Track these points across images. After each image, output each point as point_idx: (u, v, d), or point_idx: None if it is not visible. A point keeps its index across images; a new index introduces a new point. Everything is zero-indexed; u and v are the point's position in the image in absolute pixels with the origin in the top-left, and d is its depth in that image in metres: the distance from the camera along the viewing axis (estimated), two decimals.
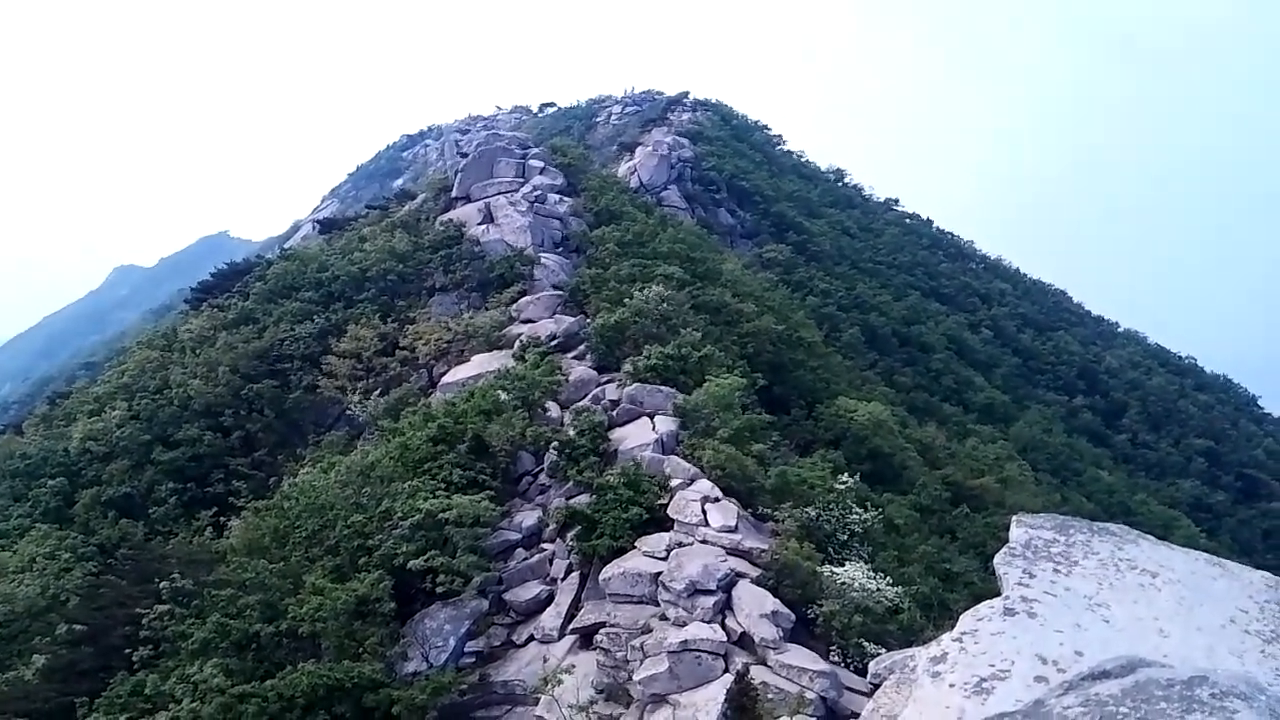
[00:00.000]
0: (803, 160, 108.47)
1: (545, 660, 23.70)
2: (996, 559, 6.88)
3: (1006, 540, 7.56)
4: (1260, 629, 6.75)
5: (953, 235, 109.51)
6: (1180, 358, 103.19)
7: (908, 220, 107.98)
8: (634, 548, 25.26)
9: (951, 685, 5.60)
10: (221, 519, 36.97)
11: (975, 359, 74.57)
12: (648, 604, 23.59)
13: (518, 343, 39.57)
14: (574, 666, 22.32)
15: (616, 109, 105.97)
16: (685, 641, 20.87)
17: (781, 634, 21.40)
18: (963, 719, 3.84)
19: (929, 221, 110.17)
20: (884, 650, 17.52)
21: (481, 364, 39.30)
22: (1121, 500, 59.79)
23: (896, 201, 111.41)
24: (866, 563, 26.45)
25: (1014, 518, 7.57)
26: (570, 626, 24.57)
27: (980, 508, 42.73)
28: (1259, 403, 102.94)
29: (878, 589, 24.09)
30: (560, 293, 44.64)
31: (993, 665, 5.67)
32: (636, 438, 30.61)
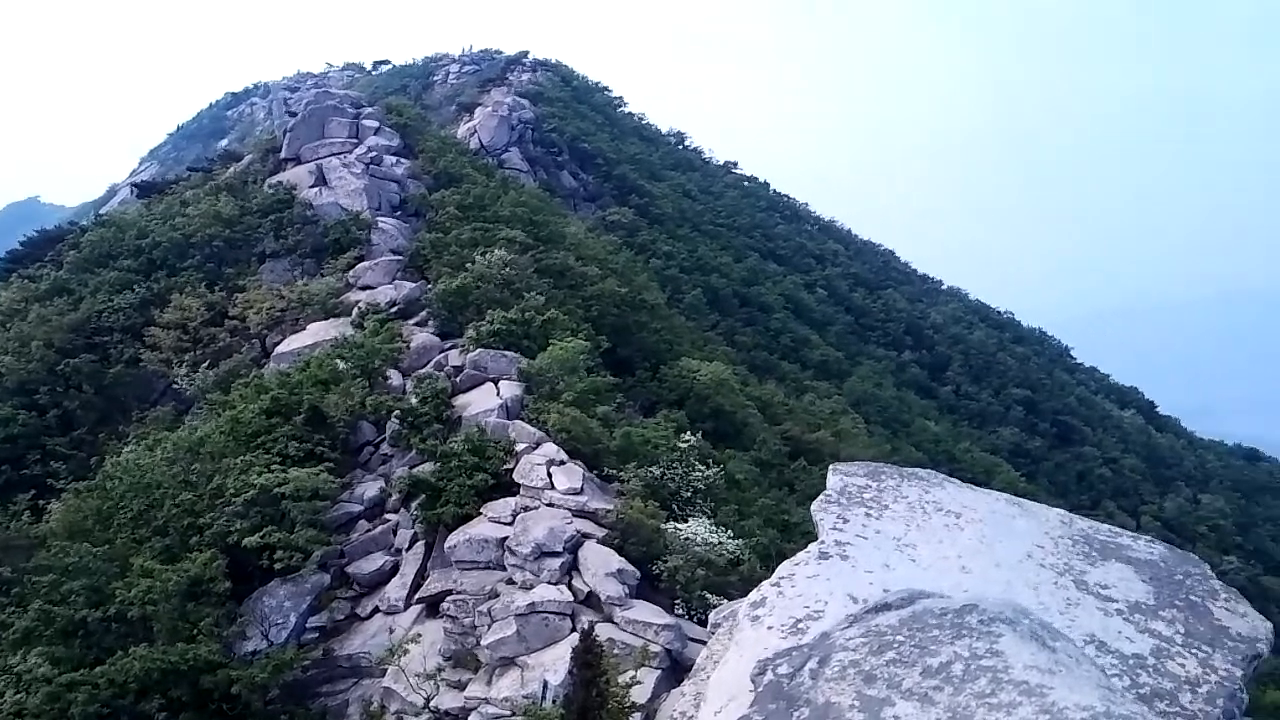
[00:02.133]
0: (644, 123, 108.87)
1: (391, 631, 23.47)
2: (813, 506, 7.23)
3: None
4: (1054, 562, 7.34)
5: (789, 197, 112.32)
6: (999, 312, 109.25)
7: (746, 183, 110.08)
8: (480, 514, 25.21)
9: (770, 627, 5.88)
10: (40, 502, 34.71)
11: (811, 318, 77.04)
12: (495, 569, 23.64)
13: (356, 310, 38.49)
14: (420, 636, 22.20)
15: (454, 68, 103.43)
16: (532, 604, 21.06)
17: (627, 591, 21.86)
18: (764, 654, 4.07)
19: (766, 184, 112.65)
20: (725, 601, 18.10)
21: (318, 332, 38.09)
22: (947, 449, 63.17)
23: (735, 165, 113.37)
24: (709, 518, 27.20)
25: (831, 467, 7.95)
26: (416, 596, 24.40)
27: (817, 460, 44.32)
28: (1071, 353, 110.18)
29: (719, 543, 24.84)
30: (399, 258, 43.63)
31: (807, 607, 5.99)
32: (481, 403, 30.42)
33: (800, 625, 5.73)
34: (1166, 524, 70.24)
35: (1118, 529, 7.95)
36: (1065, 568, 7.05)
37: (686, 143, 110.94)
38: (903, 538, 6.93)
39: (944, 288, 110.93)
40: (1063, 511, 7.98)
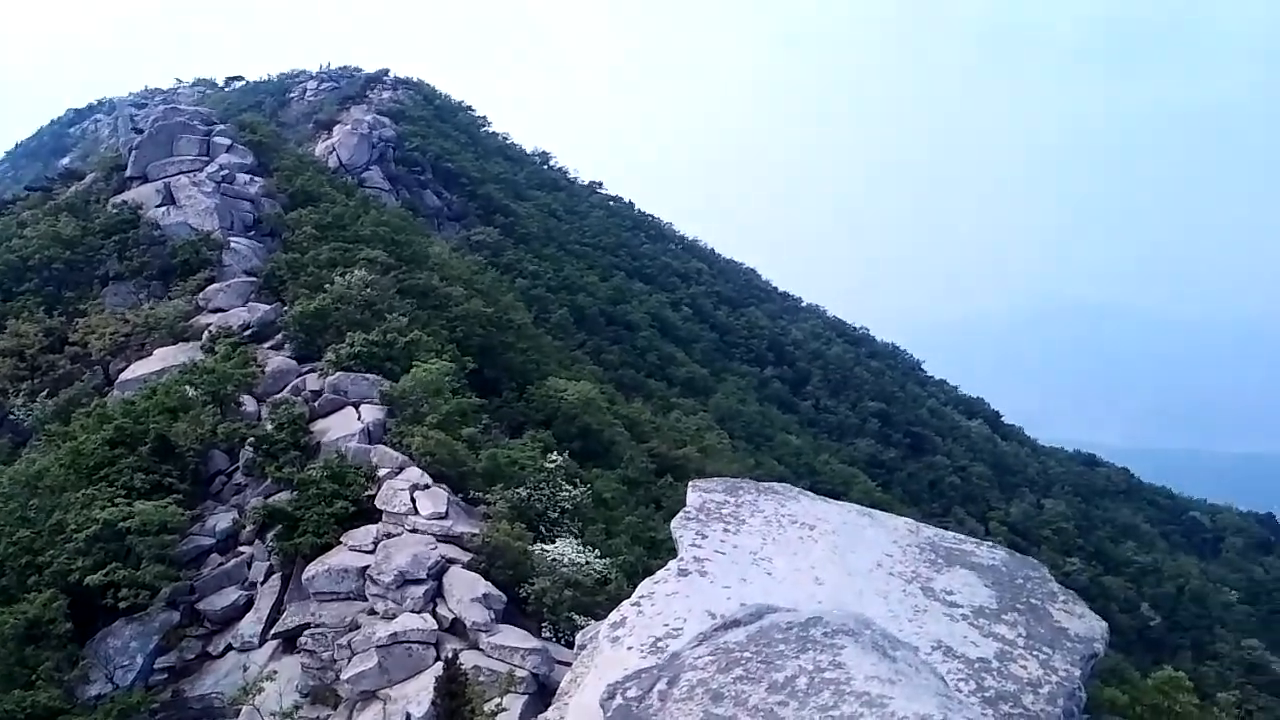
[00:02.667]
0: (508, 142, 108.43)
1: (245, 669, 22.54)
2: (673, 523, 7.26)
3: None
4: (902, 570, 7.55)
5: (653, 217, 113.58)
6: (855, 328, 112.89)
7: (611, 203, 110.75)
8: (340, 543, 24.50)
9: (629, 648, 5.86)
10: None
11: (677, 335, 77.97)
12: (355, 600, 22.98)
13: (206, 334, 36.94)
14: (276, 672, 21.36)
15: (311, 85, 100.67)
16: (395, 634, 20.55)
17: (493, 616, 21.55)
18: (615, 677, 4.05)
19: (631, 204, 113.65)
20: (593, 622, 18.02)
21: (165, 358, 36.37)
22: (808, 461, 64.77)
23: (600, 185, 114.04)
24: (576, 538, 27.14)
25: (690, 484, 8.01)
26: (272, 631, 23.50)
27: (684, 477, 44.68)
28: (923, 366, 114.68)
29: (586, 562, 24.80)
30: (253, 279, 42.13)
31: (667, 625, 6.00)
32: (341, 428, 29.63)
33: (660, 644, 5.73)
34: (1013, 528, 73.67)
35: (961, 535, 8.26)
36: (913, 575, 7.27)
37: (552, 162, 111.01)
38: (759, 551, 7.03)
39: (803, 305, 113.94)
40: (910, 520, 8.24)
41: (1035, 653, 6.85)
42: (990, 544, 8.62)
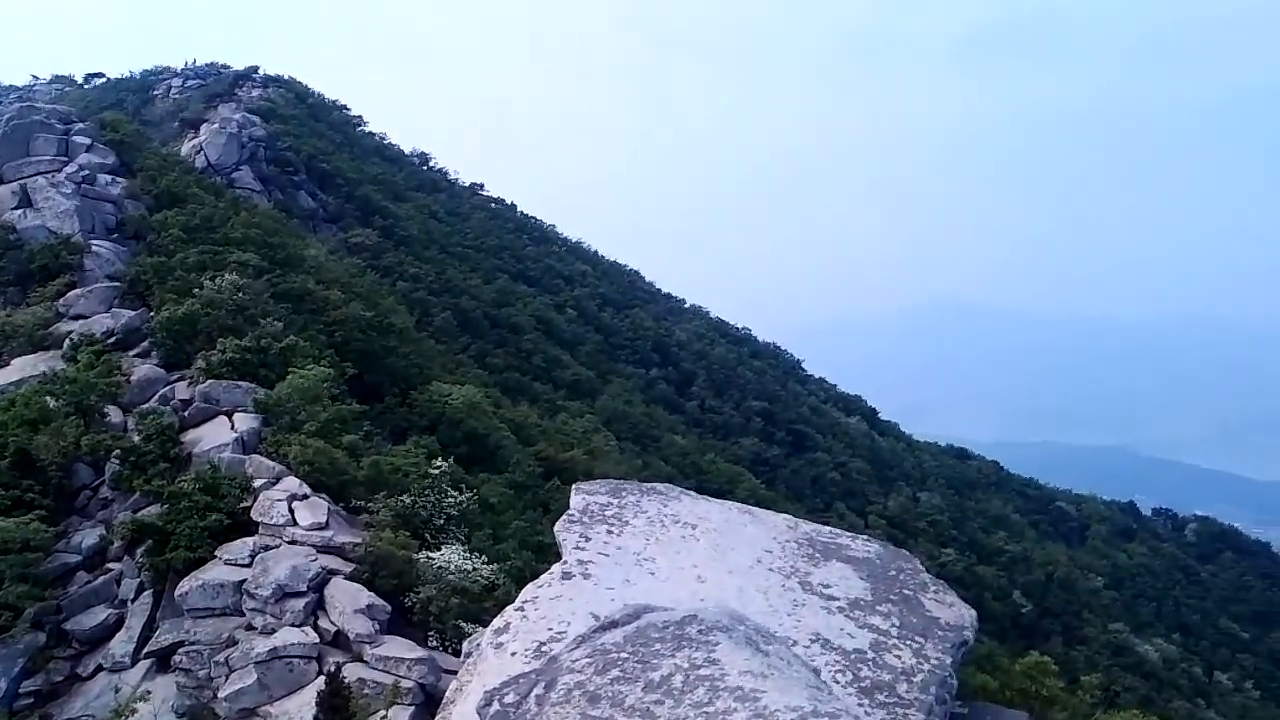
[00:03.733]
0: (386, 142, 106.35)
1: (117, 690, 21.56)
2: (556, 526, 7.27)
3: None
4: (781, 565, 7.72)
5: (536, 219, 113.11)
6: (737, 329, 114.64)
7: (494, 205, 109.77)
8: (214, 557, 23.65)
9: (513, 654, 5.85)
10: None
11: (562, 338, 77.80)
12: (232, 615, 22.22)
13: (68, 341, 35.08)
14: (150, 693, 20.50)
15: (176, 82, 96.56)
16: (274, 649, 19.97)
17: (377, 627, 21.13)
18: (493, 684, 4.03)
19: (513, 206, 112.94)
20: (480, 629, 17.88)
21: (23, 367, 34.44)
22: (694, 461, 65.47)
23: (482, 186, 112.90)
24: (463, 544, 26.84)
25: (574, 486, 8.03)
26: (144, 650, 22.55)
27: (571, 479, 44.51)
28: (803, 365, 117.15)
29: (473, 569, 24.55)
30: (117, 284, 40.25)
31: (551, 629, 6.00)
32: (213, 438, 28.59)
33: (544, 649, 5.73)
34: (891, 521, 75.87)
35: (838, 530, 8.49)
36: (792, 570, 7.44)
37: (431, 163, 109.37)
38: (643, 552, 7.09)
39: (687, 306, 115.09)
40: (789, 516, 8.43)
41: (909, 642, 7.10)
42: (865, 537, 8.90)
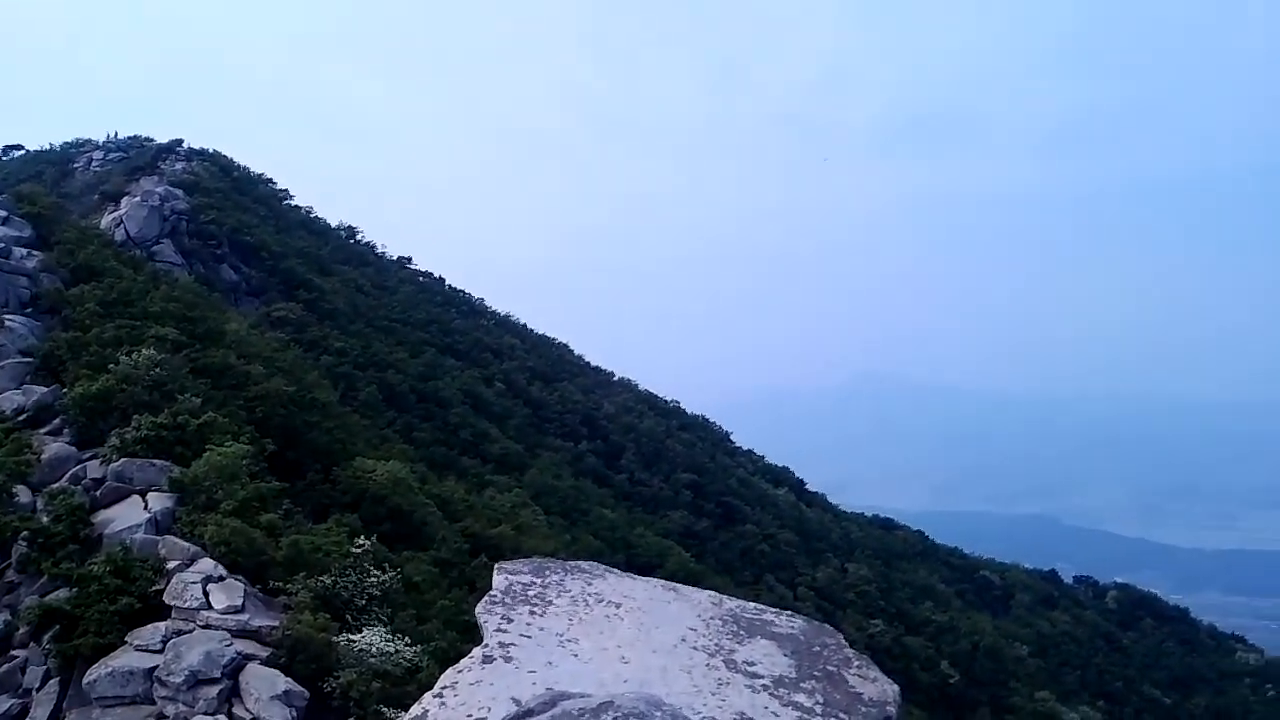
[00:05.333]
0: (312, 215, 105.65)
1: None
2: (479, 608, 7.12)
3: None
4: (706, 644, 7.67)
5: (465, 293, 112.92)
6: (666, 401, 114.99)
7: (421, 278, 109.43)
8: (125, 643, 22.70)
9: None
10: None
11: (490, 411, 77.18)
12: (143, 704, 21.28)
13: None
14: None
15: (98, 154, 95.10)
16: None
17: (295, 714, 20.44)
18: None
19: (442, 280, 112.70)
20: (403, 713, 17.36)
21: None
22: (623, 535, 65.01)
23: (410, 259, 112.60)
24: (385, 625, 26.18)
25: (496, 566, 7.91)
26: None
27: (499, 555, 43.87)
28: (731, 438, 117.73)
29: (396, 651, 23.93)
30: (30, 359, 39.03)
31: (470, 715, 5.85)
32: (126, 519, 27.62)
33: None
34: (820, 593, 76.02)
35: (762, 606, 8.48)
36: (716, 648, 7.40)
37: (358, 236, 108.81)
38: (566, 633, 6.99)
39: (615, 379, 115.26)
40: (713, 593, 8.41)
41: (832, 718, 7.08)
42: (789, 614, 8.89)
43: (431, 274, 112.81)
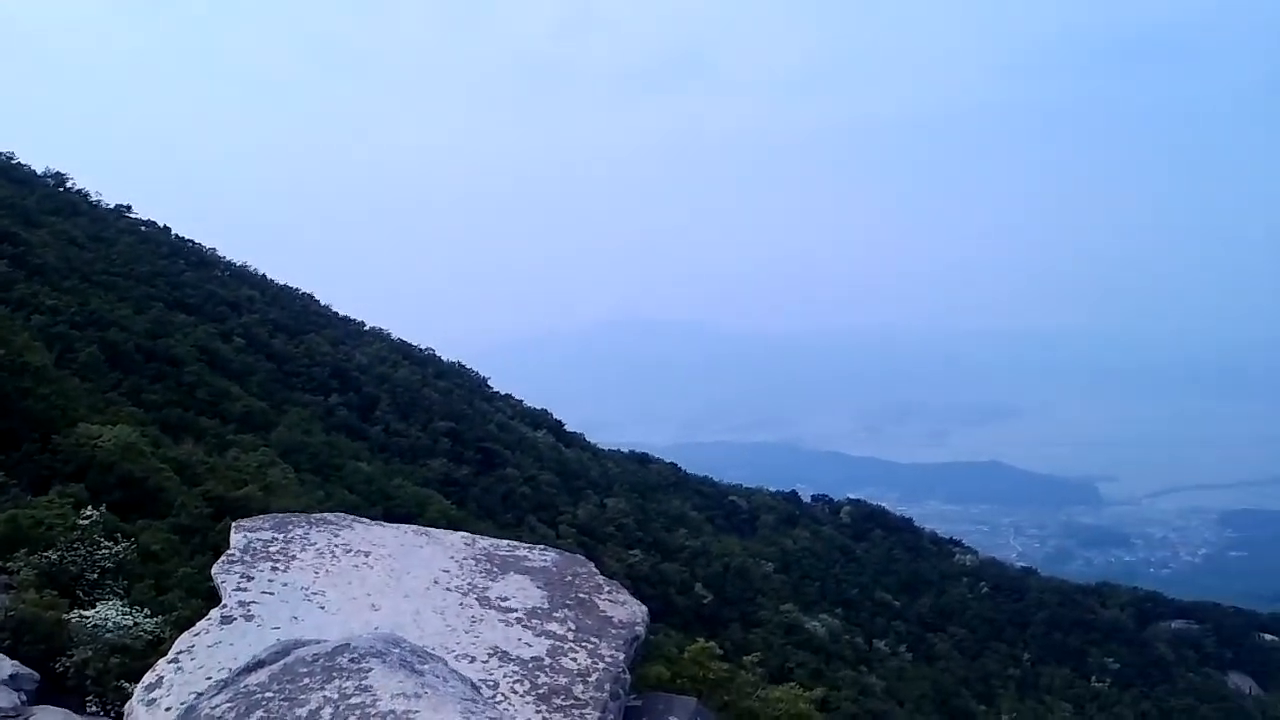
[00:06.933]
0: (14, 162, 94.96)
1: None
2: (214, 569, 6.86)
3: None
4: (459, 584, 7.75)
5: (194, 243, 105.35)
6: (421, 350, 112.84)
7: (143, 228, 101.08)
8: None
9: (167, 708, 5.46)
10: None
11: (230, 368, 72.84)
12: None
13: None
14: None
15: None
16: None
17: (24, 698, 18.85)
18: None
19: (167, 229, 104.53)
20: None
21: None
22: (381, 487, 63.58)
23: (129, 208, 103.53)
24: (121, 599, 24.59)
25: (234, 524, 7.63)
26: None
27: (246, 518, 42.20)
28: (489, 384, 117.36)
29: (135, 624, 22.51)
30: None
31: (210, 678, 5.65)
32: None
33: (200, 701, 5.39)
34: (581, 529, 77.78)
35: (515, 542, 8.65)
36: (470, 587, 7.49)
37: (68, 184, 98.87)
38: (311, 586, 6.86)
39: (367, 329, 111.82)
40: (466, 534, 8.49)
41: (584, 644, 7.36)
42: (542, 547, 9.12)
43: (155, 223, 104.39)
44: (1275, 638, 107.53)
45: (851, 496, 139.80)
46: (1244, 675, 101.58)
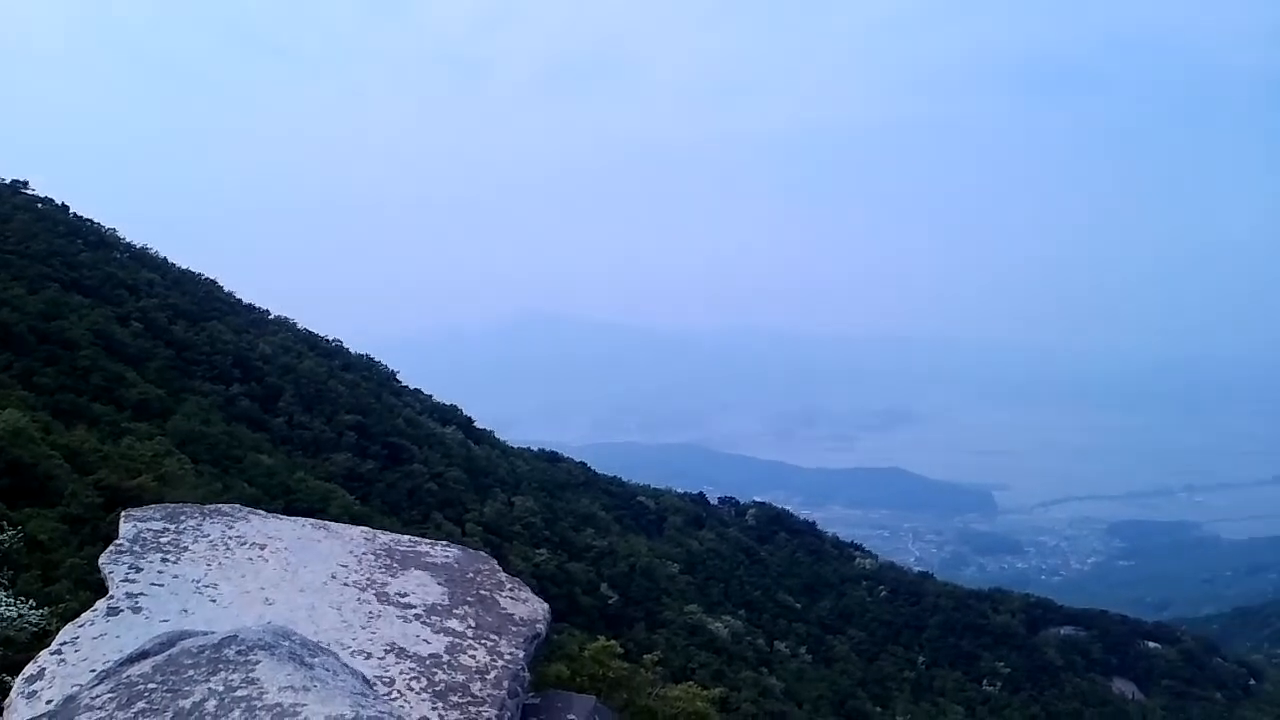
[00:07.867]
0: None
1: None
2: (102, 559, 6.66)
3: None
4: (357, 579, 7.65)
5: (93, 223, 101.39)
6: (328, 340, 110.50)
7: (40, 205, 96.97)
8: None
9: (49, 701, 5.29)
10: None
11: (127, 354, 70.33)
12: None
13: None
14: None
15: None
16: None
17: None
18: None
19: (65, 207, 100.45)
20: None
21: None
22: (282, 480, 62.16)
23: (26, 184, 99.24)
24: (6, 589, 23.66)
25: (123, 513, 7.41)
26: None
27: (136, 508, 40.87)
28: (398, 377, 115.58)
29: (19, 615, 21.66)
30: None
31: (93, 670, 5.49)
32: None
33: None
34: (488, 527, 77.20)
35: (417, 538, 8.58)
36: (368, 582, 7.41)
37: None
38: (203, 579, 6.70)
39: (271, 317, 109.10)
40: (366, 529, 8.39)
41: (484, 641, 7.33)
42: (444, 543, 9.05)
43: (53, 200, 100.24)
44: (1158, 645, 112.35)
45: (757, 499, 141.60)
46: (1128, 681, 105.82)
